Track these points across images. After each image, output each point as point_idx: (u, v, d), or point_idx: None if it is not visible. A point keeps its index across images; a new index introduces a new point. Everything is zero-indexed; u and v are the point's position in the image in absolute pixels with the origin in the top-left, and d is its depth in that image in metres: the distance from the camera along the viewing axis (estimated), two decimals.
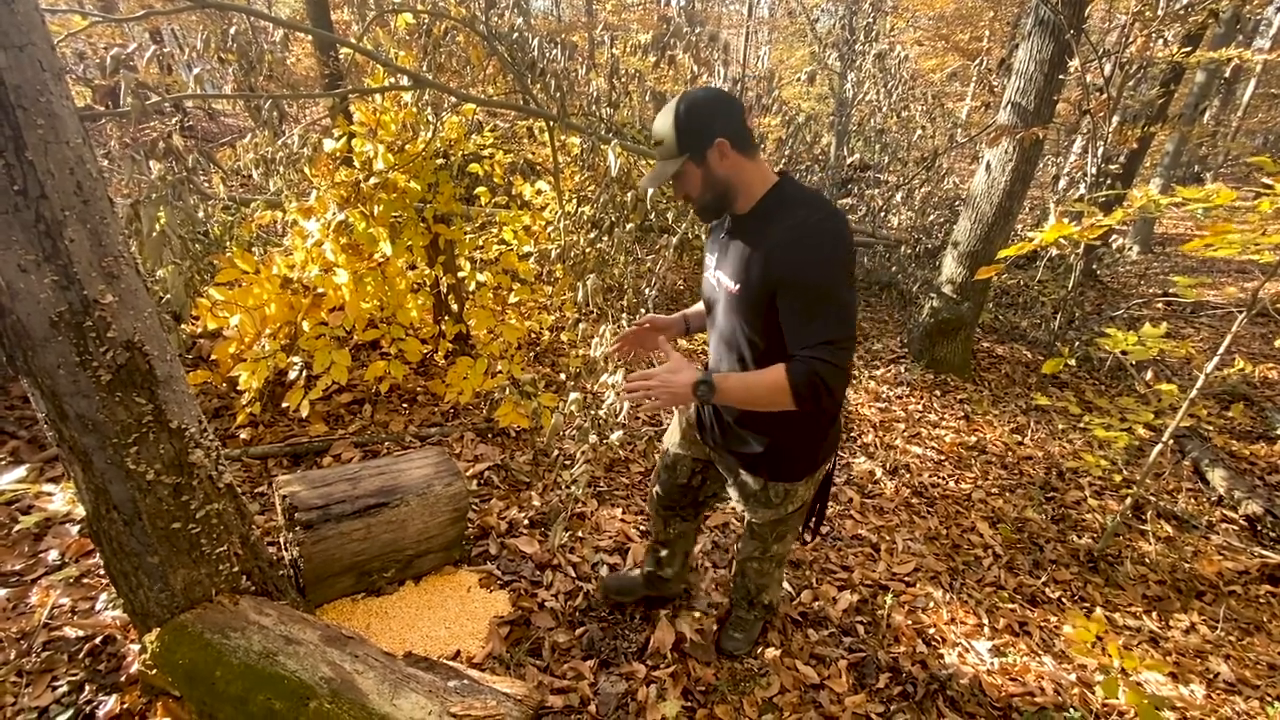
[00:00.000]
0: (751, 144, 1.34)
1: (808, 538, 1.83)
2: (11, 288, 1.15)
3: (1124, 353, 2.60)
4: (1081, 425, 4.13)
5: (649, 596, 2.16)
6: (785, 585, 2.42)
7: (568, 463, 2.94)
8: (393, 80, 3.01)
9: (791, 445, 1.50)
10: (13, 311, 1.16)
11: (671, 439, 1.84)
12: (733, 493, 1.69)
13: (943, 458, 3.73)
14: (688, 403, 1.33)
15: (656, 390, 1.30)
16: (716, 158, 1.32)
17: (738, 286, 1.36)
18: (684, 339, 1.67)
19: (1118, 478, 3.14)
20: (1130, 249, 9.52)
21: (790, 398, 1.25)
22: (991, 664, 2.23)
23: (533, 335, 4.23)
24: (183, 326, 2.81)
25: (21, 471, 1.88)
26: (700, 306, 1.68)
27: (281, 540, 2.10)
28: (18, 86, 1.08)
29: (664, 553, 2.03)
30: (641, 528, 2.60)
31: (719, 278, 1.43)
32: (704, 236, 1.64)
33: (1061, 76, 4.05)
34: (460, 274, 3.55)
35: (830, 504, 3.07)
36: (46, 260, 1.15)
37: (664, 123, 1.33)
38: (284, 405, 2.76)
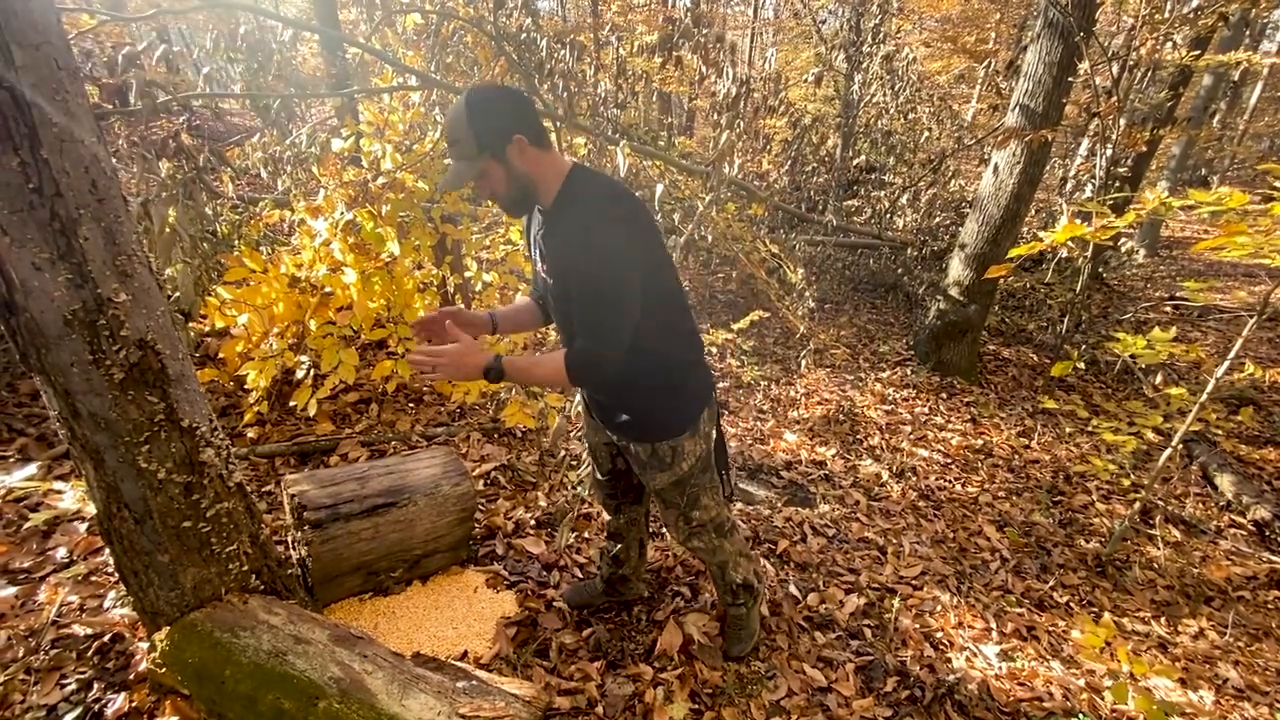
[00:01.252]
0: (545, 138, 1.37)
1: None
2: (25, 285, 1.15)
3: (1133, 356, 2.59)
4: (1089, 429, 4.11)
5: (612, 602, 2.17)
6: (792, 588, 2.41)
7: (574, 463, 2.93)
8: (401, 80, 3.02)
9: (651, 405, 1.56)
10: (26, 309, 1.17)
11: (585, 430, 1.88)
12: (635, 469, 1.71)
13: (949, 461, 3.72)
14: (474, 380, 1.40)
15: (444, 366, 1.35)
16: (516, 154, 1.33)
17: (553, 281, 1.43)
18: (490, 336, 1.74)
19: (1125, 482, 3.12)
20: (1137, 252, 9.48)
21: (567, 379, 1.39)
22: (999, 668, 2.22)
23: (539, 336, 4.23)
24: (191, 325, 2.81)
25: (31, 469, 1.88)
26: (517, 305, 1.77)
27: (289, 539, 2.10)
28: (34, 85, 1.08)
29: (619, 547, 2.04)
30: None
31: (543, 272, 1.48)
32: (523, 234, 1.70)
33: (1070, 79, 4.04)
34: (467, 274, 3.55)
35: (837, 507, 3.07)
36: (61, 258, 1.16)
37: (458, 122, 1.31)
38: (291, 404, 2.76)
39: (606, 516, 2.05)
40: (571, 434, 3.11)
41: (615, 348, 1.36)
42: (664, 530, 2.58)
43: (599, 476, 1.91)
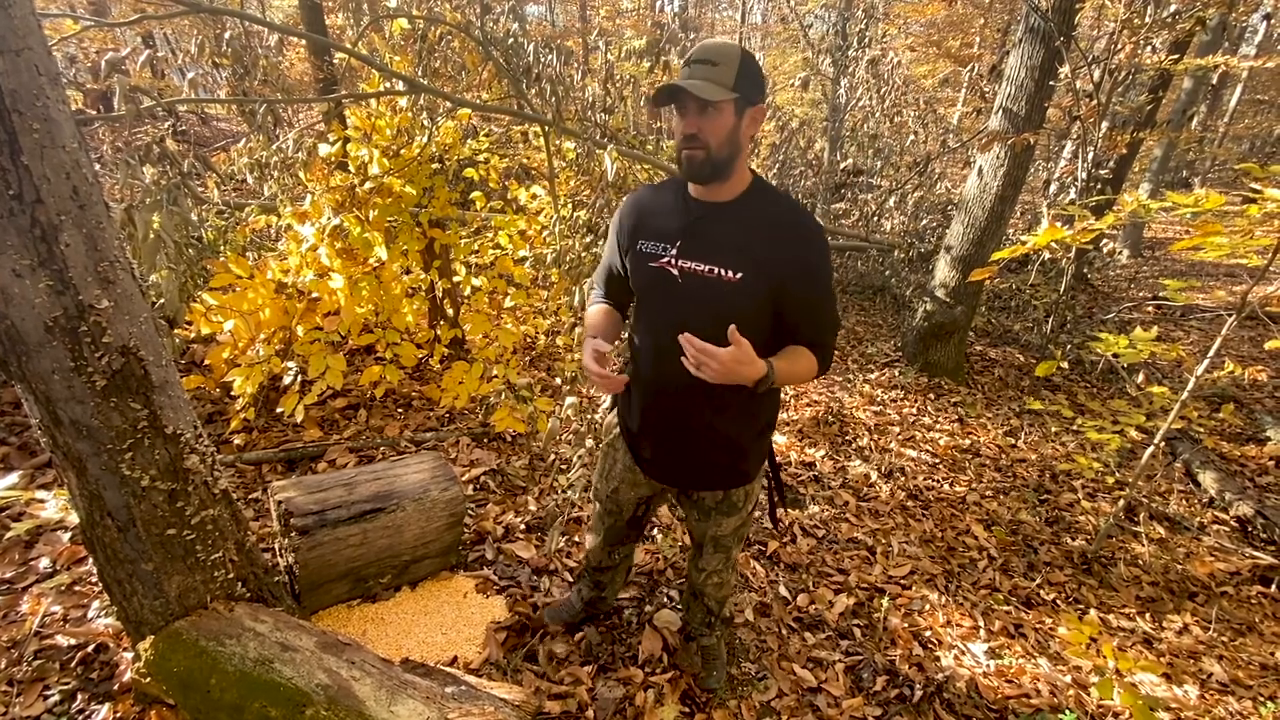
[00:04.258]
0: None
1: (779, 514, 1.82)
2: (6, 293, 1.14)
3: (1116, 356, 2.62)
4: (1074, 428, 4.15)
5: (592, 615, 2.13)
6: (782, 589, 2.42)
7: (564, 467, 2.93)
8: (388, 85, 3.01)
9: (750, 445, 1.50)
10: (7, 317, 1.16)
11: (605, 488, 1.74)
12: (693, 517, 1.64)
13: (937, 461, 3.75)
14: (742, 382, 1.23)
15: (717, 372, 1.18)
16: (751, 120, 1.27)
17: (739, 275, 1.29)
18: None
19: (1110, 480, 3.16)
20: (1121, 253, 9.60)
21: (815, 376, 1.41)
22: (987, 666, 2.23)
23: (528, 340, 4.23)
24: (176, 331, 2.79)
25: (13, 478, 1.86)
26: (604, 320, 1.58)
27: (277, 546, 2.09)
28: (14, 91, 1.07)
29: (605, 577, 1.99)
30: None
31: (697, 268, 1.33)
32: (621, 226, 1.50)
33: (1052, 83, 4.09)
34: (456, 278, 3.55)
35: (826, 507, 3.08)
36: (41, 265, 1.15)
37: (727, 52, 1.22)
38: (278, 410, 2.75)
39: (596, 557, 1.95)
40: (561, 438, 3.11)
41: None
42: (653, 535, 2.59)
43: (615, 531, 1.81)
